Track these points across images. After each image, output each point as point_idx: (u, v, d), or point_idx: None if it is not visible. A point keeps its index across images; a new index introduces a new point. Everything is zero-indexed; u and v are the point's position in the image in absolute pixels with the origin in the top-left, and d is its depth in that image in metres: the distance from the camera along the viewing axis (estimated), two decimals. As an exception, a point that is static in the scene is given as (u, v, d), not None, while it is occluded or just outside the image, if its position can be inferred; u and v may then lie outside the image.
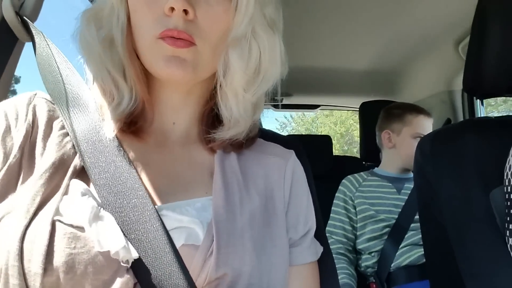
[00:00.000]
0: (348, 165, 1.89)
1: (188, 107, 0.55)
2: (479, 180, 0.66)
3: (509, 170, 0.59)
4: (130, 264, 0.39)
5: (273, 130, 0.78)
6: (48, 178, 0.40)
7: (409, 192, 1.37)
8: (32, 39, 0.56)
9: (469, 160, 0.68)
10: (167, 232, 0.42)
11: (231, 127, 0.52)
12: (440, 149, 0.73)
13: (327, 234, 1.16)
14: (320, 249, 0.58)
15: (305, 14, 1.35)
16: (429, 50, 1.57)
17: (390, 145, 1.49)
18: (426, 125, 1.44)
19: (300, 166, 0.59)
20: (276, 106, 2.34)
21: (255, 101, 0.53)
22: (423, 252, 1.24)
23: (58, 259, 0.35)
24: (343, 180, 1.51)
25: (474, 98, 1.62)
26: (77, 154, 0.45)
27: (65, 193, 0.41)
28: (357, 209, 1.39)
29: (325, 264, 0.59)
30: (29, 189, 0.39)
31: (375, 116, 1.65)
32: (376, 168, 1.55)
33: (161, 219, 0.42)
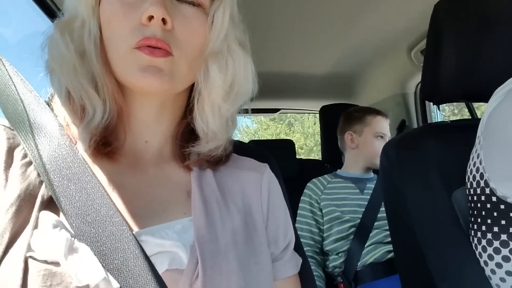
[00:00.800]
0: (311, 168, 1.93)
1: (161, 124, 0.53)
2: (442, 182, 0.70)
3: (471, 173, 0.63)
4: None
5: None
6: (15, 213, 0.37)
7: (371, 192, 1.44)
8: None
9: (431, 163, 0.72)
10: (148, 259, 0.40)
11: (209, 141, 0.51)
12: (404, 154, 0.77)
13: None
14: (300, 260, 0.58)
15: (265, 21, 1.36)
16: (384, 56, 1.65)
17: (353, 145, 1.56)
18: (385, 125, 1.54)
19: (275, 179, 0.59)
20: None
21: (230, 116, 0.53)
22: (387, 249, 1.30)
23: None
24: (308, 184, 1.54)
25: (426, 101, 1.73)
26: (44, 184, 0.41)
27: (35, 226, 0.38)
28: (323, 211, 1.42)
29: (305, 274, 0.60)
30: None
31: (335, 119, 1.71)
32: (339, 170, 1.60)
33: (140, 246, 0.40)
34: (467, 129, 0.76)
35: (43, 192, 0.41)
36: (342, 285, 1.34)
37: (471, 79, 0.74)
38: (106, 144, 0.47)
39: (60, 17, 0.47)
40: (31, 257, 0.34)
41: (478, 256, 0.61)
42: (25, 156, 0.43)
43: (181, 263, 0.42)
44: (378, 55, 1.66)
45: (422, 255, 0.66)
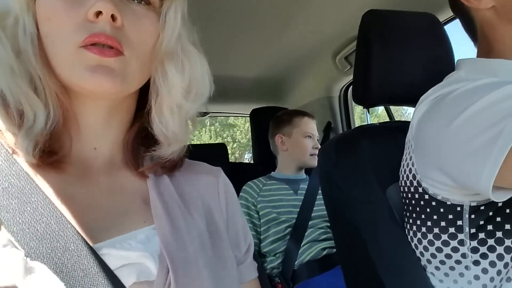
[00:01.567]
0: (244, 171, 1.94)
1: (110, 129, 0.48)
2: (377, 180, 0.75)
3: (404, 172, 0.68)
4: None
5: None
6: None
7: (304, 192, 1.49)
8: None
9: (366, 162, 0.77)
10: (112, 273, 0.37)
11: (171, 143, 0.49)
12: (342, 156, 0.81)
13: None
14: (256, 263, 0.59)
15: (196, 23, 1.33)
16: (311, 61, 1.73)
17: (284, 148, 1.60)
18: (312, 126, 1.62)
19: (230, 183, 0.59)
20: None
21: (190, 117, 0.51)
22: (322, 247, 1.36)
23: None
24: (244, 187, 1.54)
25: (349, 104, 1.86)
26: None
27: None
28: (260, 213, 1.44)
29: (260, 277, 0.60)
30: None
31: (266, 122, 1.75)
32: (273, 172, 1.63)
33: (101, 259, 0.37)
34: (395, 130, 0.83)
35: None
36: (280, 286, 1.37)
37: (397, 84, 0.82)
38: (51, 153, 0.42)
39: None
40: None
41: (414, 247, 0.67)
42: None
43: (150, 275, 0.40)
44: (305, 60, 1.73)
45: (365, 249, 0.70)
